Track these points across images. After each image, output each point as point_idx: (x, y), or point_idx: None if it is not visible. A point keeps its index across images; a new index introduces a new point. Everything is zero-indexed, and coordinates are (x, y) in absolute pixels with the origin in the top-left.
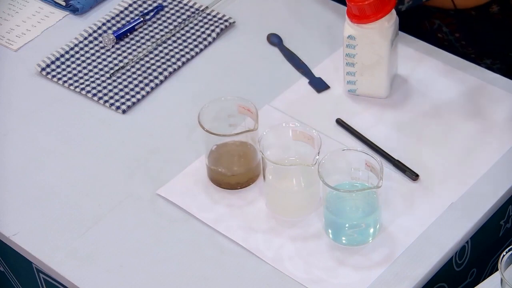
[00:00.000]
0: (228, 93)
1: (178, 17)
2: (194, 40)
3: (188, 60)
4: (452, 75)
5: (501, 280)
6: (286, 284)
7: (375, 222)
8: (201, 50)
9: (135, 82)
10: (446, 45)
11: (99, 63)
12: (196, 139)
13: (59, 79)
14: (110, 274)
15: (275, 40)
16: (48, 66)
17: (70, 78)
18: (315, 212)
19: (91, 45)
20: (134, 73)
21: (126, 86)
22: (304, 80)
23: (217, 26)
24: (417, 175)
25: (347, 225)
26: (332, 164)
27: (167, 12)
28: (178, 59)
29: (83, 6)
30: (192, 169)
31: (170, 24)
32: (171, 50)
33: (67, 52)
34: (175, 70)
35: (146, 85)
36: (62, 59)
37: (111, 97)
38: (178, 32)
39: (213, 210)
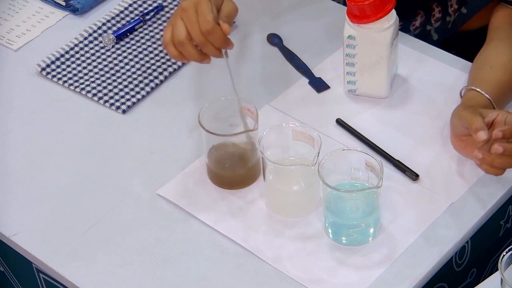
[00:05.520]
0: (228, 93)
1: None
2: None
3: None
4: (452, 75)
5: (501, 280)
6: (286, 284)
7: (375, 222)
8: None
9: (135, 82)
10: None
11: (99, 63)
12: (196, 139)
13: (59, 79)
14: (110, 274)
15: (275, 40)
16: (48, 66)
17: (70, 78)
18: (315, 212)
19: (91, 45)
20: (134, 73)
21: (126, 86)
22: (304, 80)
23: None
24: (417, 175)
25: (347, 225)
26: (332, 164)
27: (167, 12)
28: None
29: (83, 6)
30: (192, 169)
31: None
32: None
33: (67, 52)
34: (175, 70)
35: (146, 85)
36: (62, 59)
37: (111, 97)
38: None
39: (213, 210)
